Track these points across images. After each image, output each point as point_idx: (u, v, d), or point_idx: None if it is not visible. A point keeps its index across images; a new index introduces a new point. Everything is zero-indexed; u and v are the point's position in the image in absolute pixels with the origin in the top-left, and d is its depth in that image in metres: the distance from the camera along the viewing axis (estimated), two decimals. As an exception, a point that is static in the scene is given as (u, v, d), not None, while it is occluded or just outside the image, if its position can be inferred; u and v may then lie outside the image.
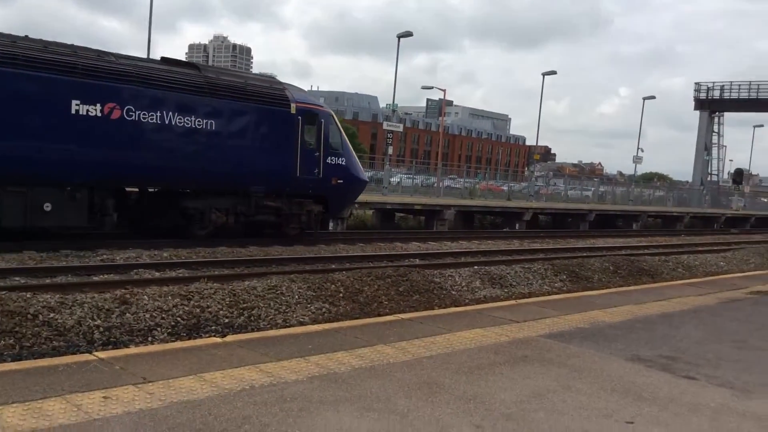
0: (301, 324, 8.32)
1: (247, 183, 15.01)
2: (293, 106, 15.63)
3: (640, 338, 7.09)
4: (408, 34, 38.11)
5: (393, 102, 37.33)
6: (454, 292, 11.48)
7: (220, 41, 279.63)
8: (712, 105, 56.57)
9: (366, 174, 19.67)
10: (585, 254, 17.96)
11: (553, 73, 46.33)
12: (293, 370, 5.13)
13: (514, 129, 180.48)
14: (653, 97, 54.07)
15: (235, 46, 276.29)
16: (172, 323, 7.83)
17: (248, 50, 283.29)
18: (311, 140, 15.89)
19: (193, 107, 13.84)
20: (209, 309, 8.31)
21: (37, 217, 12.23)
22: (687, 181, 66.11)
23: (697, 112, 57.17)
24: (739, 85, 55.50)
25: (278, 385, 4.77)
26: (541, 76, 45.94)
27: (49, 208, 12.30)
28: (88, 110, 12.43)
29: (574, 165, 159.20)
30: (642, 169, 73.76)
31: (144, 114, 13.11)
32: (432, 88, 53.98)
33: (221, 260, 12.41)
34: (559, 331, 7.17)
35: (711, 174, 58.86)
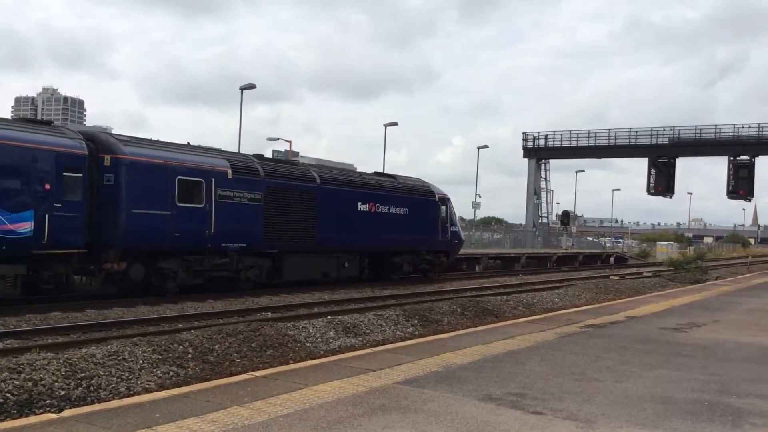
0: (147, 391, 7.83)
1: (418, 245, 24.39)
2: (436, 196, 25.67)
3: (489, 377, 7.33)
4: (251, 86, 38.01)
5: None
6: (308, 344, 11.34)
7: (49, 93, 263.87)
8: (539, 153, 60.92)
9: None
10: (434, 298, 18.50)
11: (395, 124, 47.89)
12: (140, 443, 4.78)
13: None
14: (486, 146, 57.44)
15: (66, 98, 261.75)
16: (0, 400, 7.09)
17: (81, 102, 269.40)
18: (444, 216, 25.64)
19: (397, 201, 23.39)
20: (42, 381, 7.61)
21: (342, 270, 21.22)
22: (521, 224, 70.23)
23: (526, 160, 61.38)
24: (561, 134, 60.25)
25: (124, 461, 4.42)
26: (383, 127, 47.44)
27: (346, 265, 21.34)
28: (363, 208, 21.83)
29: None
30: (480, 213, 77.80)
31: (382, 208, 22.63)
32: (278, 139, 53.73)
33: (55, 327, 11.49)
34: (415, 376, 7.26)
35: (541, 216, 63.02)
